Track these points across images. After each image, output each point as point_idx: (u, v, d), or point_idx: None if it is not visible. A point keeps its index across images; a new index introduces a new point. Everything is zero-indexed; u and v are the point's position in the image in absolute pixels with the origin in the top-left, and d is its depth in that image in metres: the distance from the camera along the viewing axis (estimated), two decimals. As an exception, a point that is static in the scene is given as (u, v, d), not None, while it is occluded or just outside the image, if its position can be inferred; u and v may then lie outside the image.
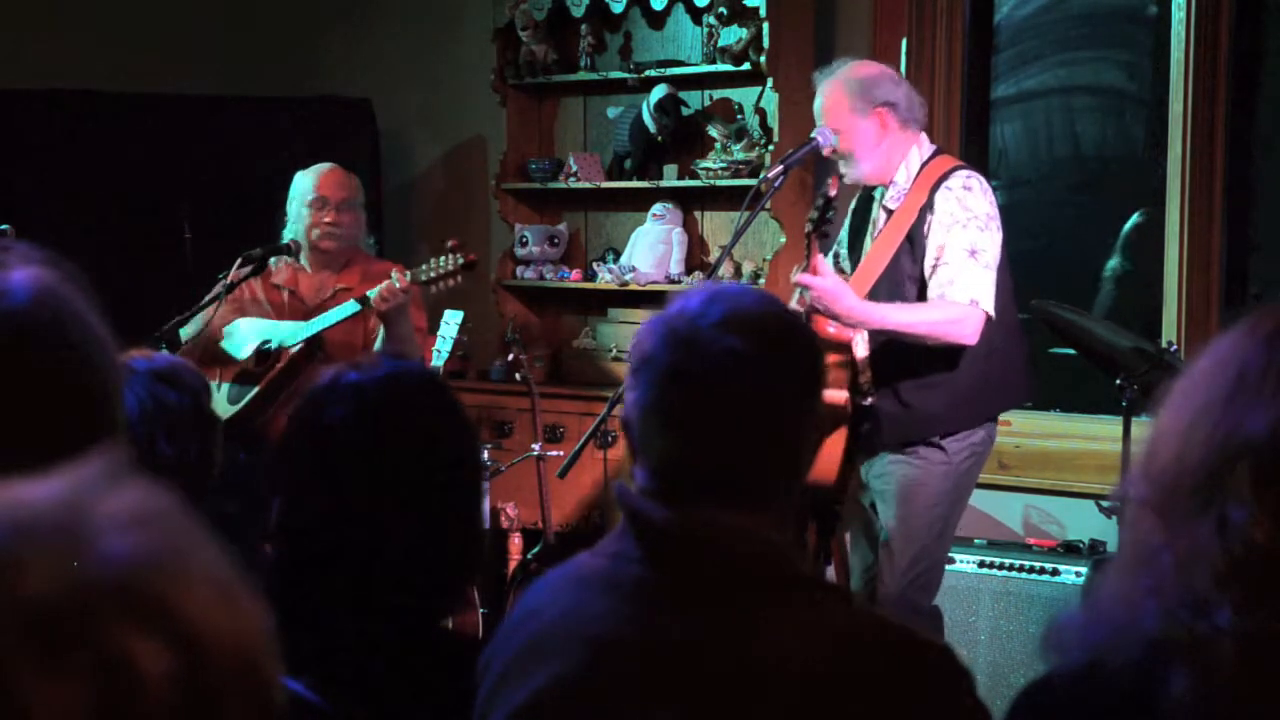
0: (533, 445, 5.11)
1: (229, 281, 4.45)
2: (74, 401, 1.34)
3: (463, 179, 6.45)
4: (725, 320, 1.70)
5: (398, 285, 4.17)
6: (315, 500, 1.93)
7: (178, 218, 5.65)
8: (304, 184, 4.58)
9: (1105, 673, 1.20)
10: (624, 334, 5.78)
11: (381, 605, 1.90)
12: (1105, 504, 4.48)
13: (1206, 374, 1.17)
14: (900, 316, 3.89)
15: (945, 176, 3.99)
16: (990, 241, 3.93)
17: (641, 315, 5.76)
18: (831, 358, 3.98)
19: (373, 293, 4.22)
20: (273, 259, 4.59)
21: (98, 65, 6.05)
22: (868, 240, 4.15)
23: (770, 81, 5.34)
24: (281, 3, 6.75)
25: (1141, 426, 3.90)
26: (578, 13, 5.80)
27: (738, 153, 5.52)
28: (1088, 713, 1.25)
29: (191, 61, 6.36)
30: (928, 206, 3.97)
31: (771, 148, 5.32)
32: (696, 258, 5.78)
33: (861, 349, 3.97)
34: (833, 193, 3.86)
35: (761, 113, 5.52)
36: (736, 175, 5.48)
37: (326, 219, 4.50)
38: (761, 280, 5.35)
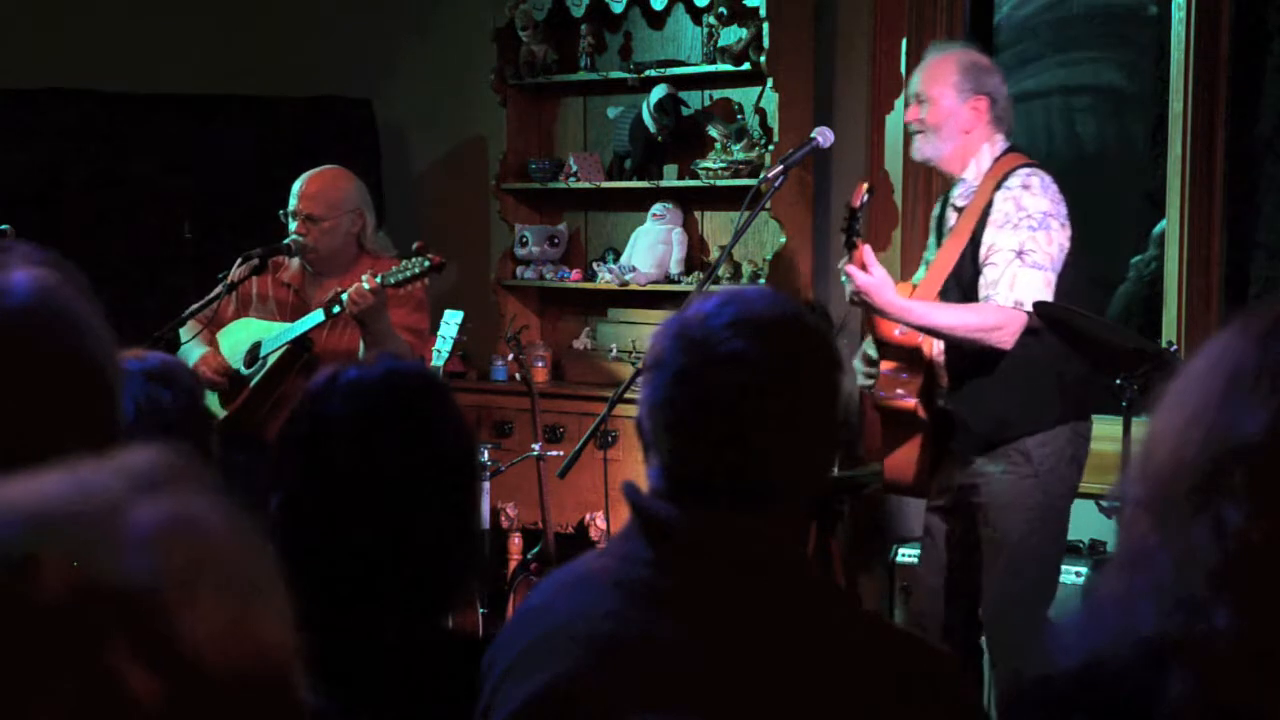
0: (533, 445, 5.11)
1: (230, 281, 4.45)
2: (74, 402, 1.34)
3: (463, 179, 6.45)
4: (736, 322, 1.70)
5: (367, 288, 4.17)
6: (312, 496, 1.93)
7: (178, 218, 5.65)
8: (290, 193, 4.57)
9: (1103, 674, 1.20)
10: (624, 334, 5.78)
11: (380, 603, 1.90)
12: (1105, 504, 4.47)
13: (1200, 375, 1.17)
14: (939, 317, 3.85)
15: (1008, 175, 3.93)
16: (1042, 240, 3.86)
17: (642, 315, 5.82)
18: (891, 365, 3.96)
19: (344, 296, 4.23)
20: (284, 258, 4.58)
21: (98, 65, 6.04)
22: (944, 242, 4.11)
23: (770, 81, 5.34)
24: (281, 3, 6.75)
25: (1141, 426, 3.90)
26: (578, 13, 5.80)
27: (738, 153, 5.52)
28: (1086, 714, 1.25)
29: (191, 61, 6.36)
30: (988, 206, 3.92)
31: (771, 148, 5.32)
32: (696, 258, 5.78)
33: (936, 347, 3.93)
34: (856, 203, 3.82)
35: (761, 113, 5.52)
36: (736, 175, 5.48)
37: (297, 230, 4.49)
38: (761, 280, 5.35)
